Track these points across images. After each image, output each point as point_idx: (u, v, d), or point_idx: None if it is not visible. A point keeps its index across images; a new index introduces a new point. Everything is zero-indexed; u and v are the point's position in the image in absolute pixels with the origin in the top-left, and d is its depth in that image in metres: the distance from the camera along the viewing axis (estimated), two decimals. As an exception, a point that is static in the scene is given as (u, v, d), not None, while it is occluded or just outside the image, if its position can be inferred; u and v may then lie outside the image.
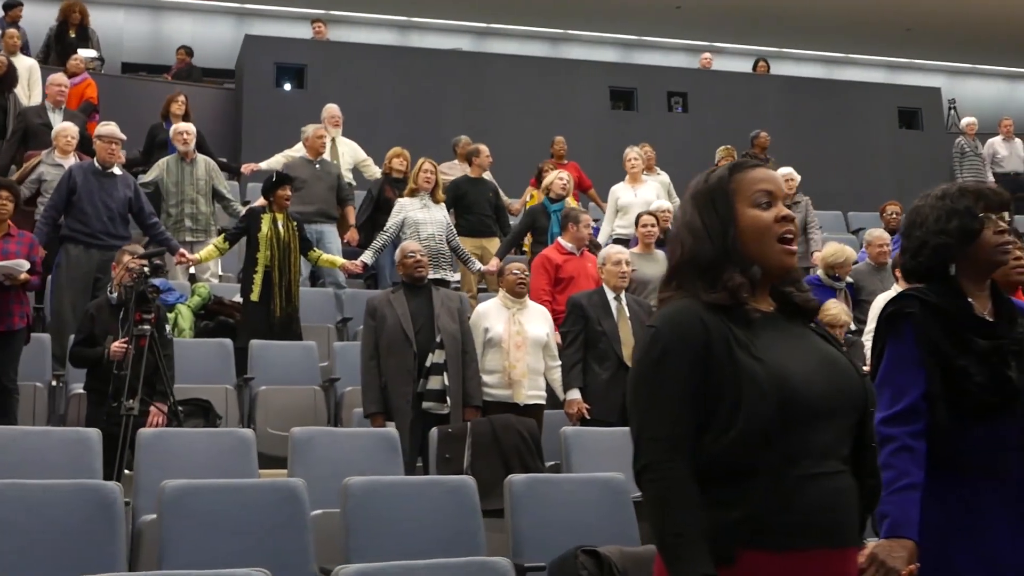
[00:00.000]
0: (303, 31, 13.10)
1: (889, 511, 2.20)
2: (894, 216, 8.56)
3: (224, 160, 8.89)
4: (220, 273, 8.37)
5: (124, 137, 7.08)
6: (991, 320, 2.35)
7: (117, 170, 6.92)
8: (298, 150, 8.90)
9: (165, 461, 3.99)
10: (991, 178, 12.32)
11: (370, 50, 12.46)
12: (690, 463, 1.82)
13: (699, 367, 1.84)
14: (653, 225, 7.00)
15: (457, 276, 7.28)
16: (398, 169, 8.29)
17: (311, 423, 6.18)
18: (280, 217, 6.82)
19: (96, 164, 6.86)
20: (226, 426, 6.05)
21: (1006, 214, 2.41)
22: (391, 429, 4.76)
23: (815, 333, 2.00)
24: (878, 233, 7.72)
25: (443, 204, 7.49)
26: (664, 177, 9.72)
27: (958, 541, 2.23)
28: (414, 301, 5.56)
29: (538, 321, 5.56)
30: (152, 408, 5.40)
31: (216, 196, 7.98)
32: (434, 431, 4.79)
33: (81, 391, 5.72)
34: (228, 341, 6.73)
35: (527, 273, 5.75)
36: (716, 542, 1.79)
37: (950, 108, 14.53)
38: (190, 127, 8.01)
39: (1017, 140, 12.57)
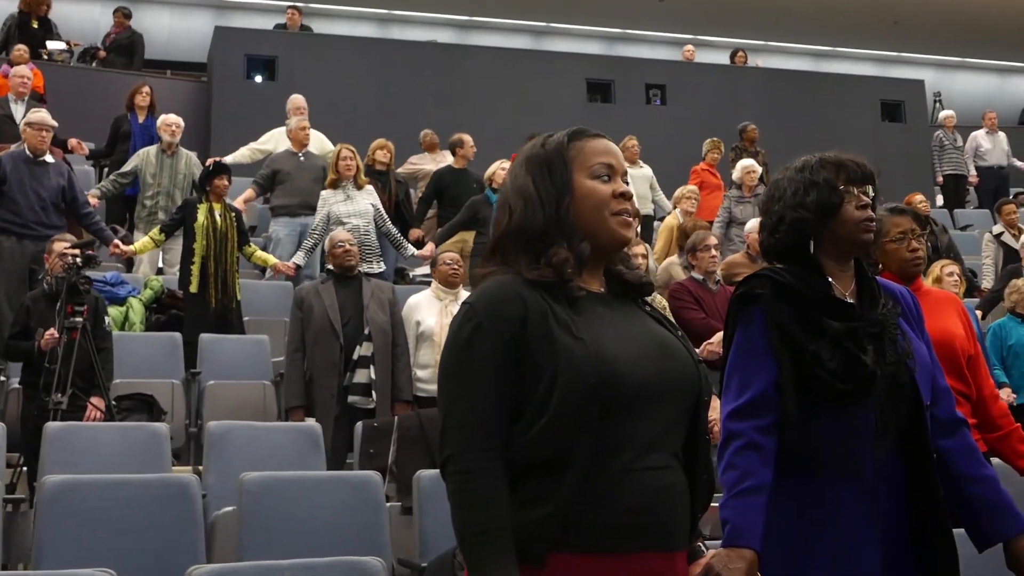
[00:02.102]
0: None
1: (730, 517, 2.00)
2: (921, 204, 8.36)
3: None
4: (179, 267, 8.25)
5: (55, 124, 6.92)
6: (851, 302, 2.16)
7: (49, 158, 6.77)
8: (264, 142, 8.79)
9: (70, 456, 3.86)
10: (972, 171, 12.17)
11: (343, 41, 12.34)
12: (499, 454, 1.65)
13: (514, 348, 1.68)
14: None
15: (382, 267, 7.03)
16: (381, 161, 8.13)
17: (260, 418, 6.05)
18: (217, 207, 6.71)
19: (27, 152, 6.70)
20: (171, 421, 5.94)
21: (870, 188, 2.18)
22: (314, 424, 4.63)
23: (649, 316, 1.84)
24: None
25: (369, 188, 7.25)
26: (647, 170, 9.57)
27: (812, 542, 2.04)
28: (343, 292, 5.43)
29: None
30: (89, 403, 5.30)
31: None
32: (359, 425, 4.65)
33: (18, 385, 5.60)
34: (178, 335, 6.61)
35: (460, 264, 5.59)
36: (524, 542, 1.62)
37: (935, 101, 14.37)
38: (178, 120, 7.88)
39: (1001, 133, 12.40)
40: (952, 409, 2.23)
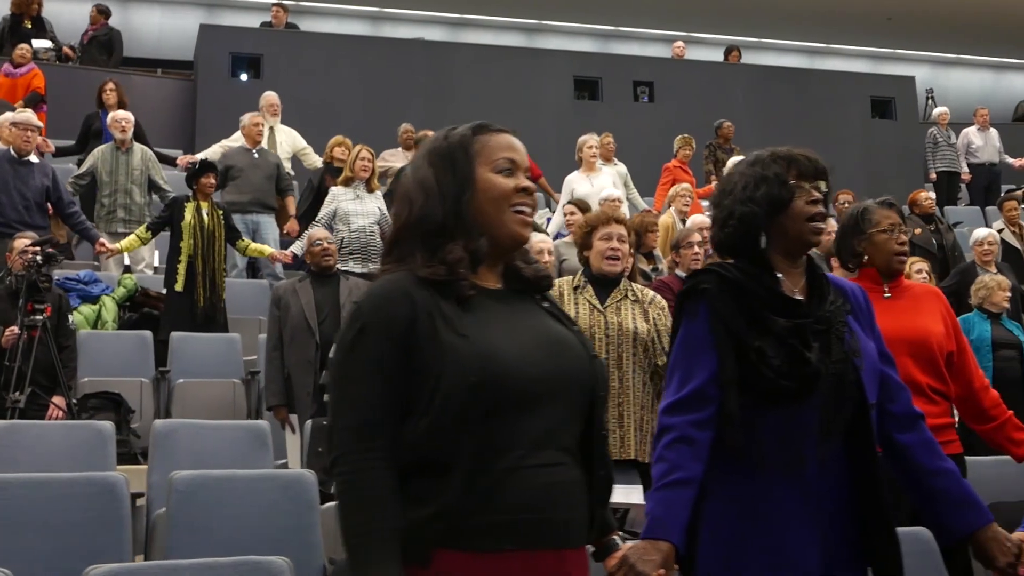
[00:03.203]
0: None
1: (652, 509, 1.99)
2: (845, 205, 8.33)
3: (162, 151, 8.75)
4: (156, 264, 8.24)
5: (40, 124, 6.95)
6: (799, 299, 2.12)
7: (34, 158, 6.80)
8: (237, 139, 8.78)
9: (14, 454, 3.84)
10: (965, 168, 12.10)
11: (329, 39, 12.30)
12: (386, 455, 1.64)
13: (401, 349, 1.66)
14: (573, 214, 6.86)
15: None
16: (339, 158, 8.15)
17: (230, 417, 6.06)
18: (205, 205, 6.73)
19: (11, 152, 6.71)
20: (139, 420, 5.93)
21: (822, 184, 2.16)
22: (261, 422, 4.61)
23: (547, 312, 1.82)
24: (831, 222, 7.50)
25: (379, 193, 7.34)
26: (621, 167, 9.52)
27: (752, 539, 2.02)
28: (320, 290, 5.44)
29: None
30: (51, 402, 5.29)
31: (152, 187, 7.85)
32: (308, 424, 4.62)
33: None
34: (148, 334, 6.61)
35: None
36: (409, 542, 1.61)
37: (928, 98, 14.29)
38: (128, 115, 7.88)
39: (992, 130, 12.30)
40: (908, 404, 2.21)
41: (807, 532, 2.02)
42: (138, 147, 7.85)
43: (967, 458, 3.47)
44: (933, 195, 11.88)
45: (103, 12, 11.09)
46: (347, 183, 7.16)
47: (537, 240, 5.66)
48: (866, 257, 3.26)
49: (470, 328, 1.68)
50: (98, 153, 7.74)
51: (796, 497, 2.02)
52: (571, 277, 4.14)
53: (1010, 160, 12.22)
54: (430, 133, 8.46)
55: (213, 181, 6.85)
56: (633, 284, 4.07)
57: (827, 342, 2.05)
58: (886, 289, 3.29)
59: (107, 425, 4.20)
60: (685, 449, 2.02)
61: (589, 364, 1.78)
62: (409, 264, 1.74)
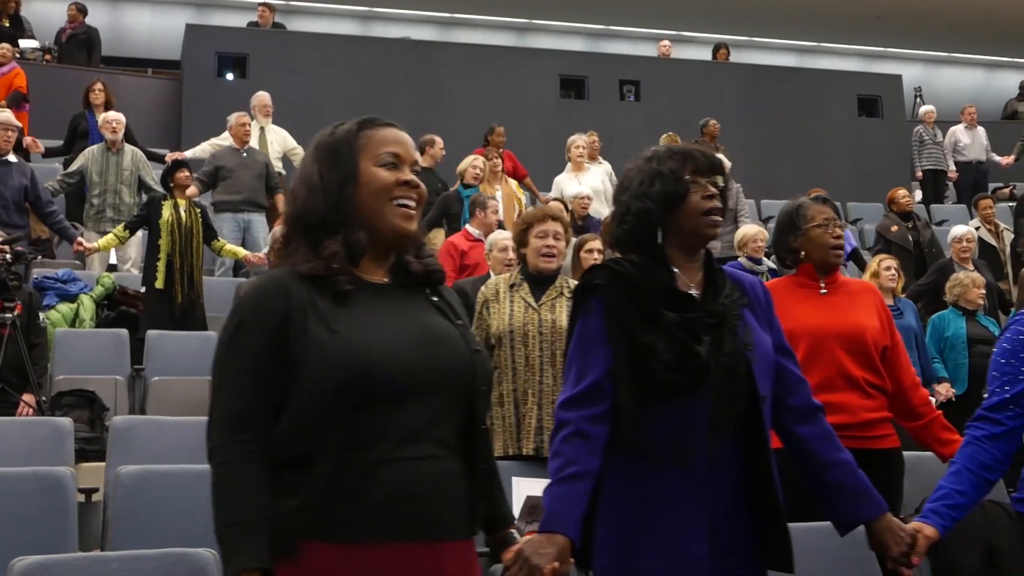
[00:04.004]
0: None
1: (548, 503, 2.01)
2: None
3: (151, 151, 8.78)
4: (143, 263, 8.28)
5: (19, 124, 7.00)
6: (692, 293, 2.14)
7: (12, 158, 6.85)
8: (226, 138, 8.81)
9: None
10: (952, 167, 12.11)
11: (314, 39, 12.32)
12: (258, 447, 1.68)
13: (275, 343, 1.70)
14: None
15: None
16: None
17: (204, 414, 6.07)
18: (182, 203, 6.77)
19: (-9, 152, 6.76)
20: (113, 418, 5.95)
21: (718, 178, 2.17)
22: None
23: (434, 307, 1.85)
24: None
25: None
26: (607, 166, 9.55)
27: (644, 532, 2.04)
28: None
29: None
30: (21, 400, 5.32)
31: (143, 187, 7.88)
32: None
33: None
34: (124, 331, 6.62)
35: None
36: (277, 533, 1.64)
37: (916, 96, 14.29)
38: (119, 116, 7.90)
39: (980, 128, 12.31)
40: (808, 396, 2.23)
41: (697, 523, 2.03)
42: (129, 148, 7.89)
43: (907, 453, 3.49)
44: (920, 194, 11.96)
45: (81, 10, 11.07)
46: None
47: (501, 237, 5.67)
48: (803, 253, 3.28)
49: (342, 323, 1.71)
50: (89, 153, 7.78)
51: (687, 490, 2.04)
52: (508, 275, 4.14)
53: (997, 158, 12.23)
54: (438, 138, 8.53)
55: (187, 174, 6.88)
56: (570, 280, 4.06)
57: (719, 335, 2.07)
58: (822, 285, 3.32)
59: (66, 422, 4.23)
60: (581, 443, 2.04)
61: (470, 358, 1.79)
62: (293, 259, 1.77)
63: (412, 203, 1.82)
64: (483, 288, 4.20)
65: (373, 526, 1.65)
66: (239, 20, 13.45)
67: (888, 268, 5.94)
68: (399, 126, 1.90)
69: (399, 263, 1.85)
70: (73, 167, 7.82)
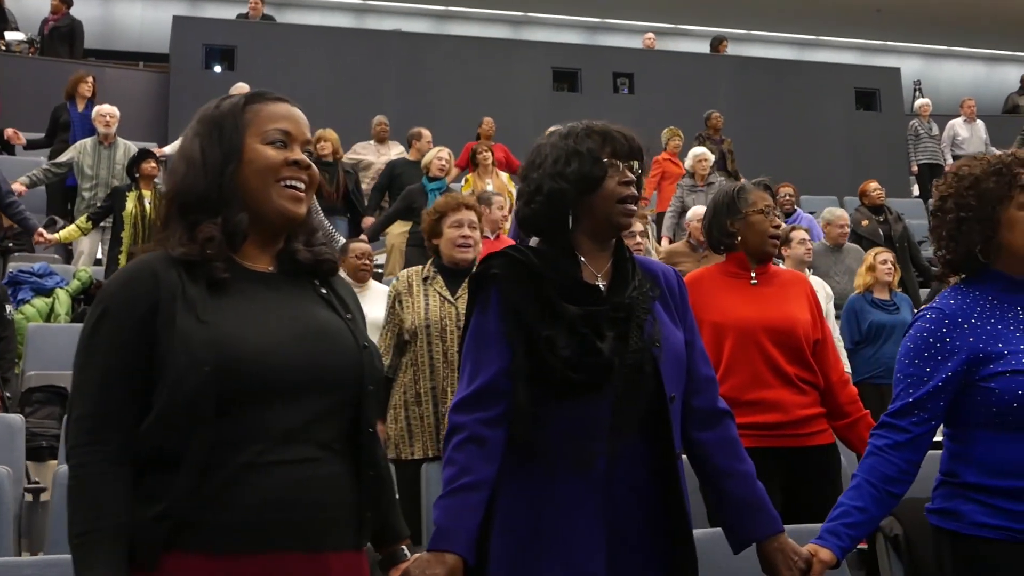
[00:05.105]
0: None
1: (437, 518, 1.83)
2: (787, 199, 8.14)
3: (140, 145, 8.68)
4: (99, 256, 8.16)
5: None
6: (597, 284, 1.95)
7: (-25, 150, 6.74)
8: (210, 132, 8.70)
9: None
10: (950, 160, 11.93)
11: (303, 31, 12.22)
12: (117, 449, 1.52)
13: (141, 333, 1.54)
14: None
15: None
16: (324, 152, 8.03)
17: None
18: (148, 194, 6.67)
19: (-49, 143, 6.66)
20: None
21: (636, 164, 1.99)
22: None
23: (322, 299, 1.69)
24: (839, 213, 7.34)
25: None
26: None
27: (541, 539, 1.87)
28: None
29: (379, 303, 5.28)
30: (-10, 394, 5.22)
31: None
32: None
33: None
34: (99, 326, 6.52)
35: (371, 256, 5.45)
36: (138, 543, 1.50)
37: (915, 89, 14.14)
38: (113, 110, 7.81)
39: (979, 122, 12.13)
40: (714, 400, 2.05)
41: (595, 531, 1.87)
42: (121, 142, 7.79)
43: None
44: (918, 188, 11.80)
45: (65, 1, 10.95)
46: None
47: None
48: (739, 239, 3.14)
49: (213, 313, 1.55)
50: (81, 146, 7.69)
51: (585, 494, 1.87)
52: (420, 267, 3.95)
53: (996, 152, 12.05)
54: (425, 131, 8.40)
55: (155, 165, 6.79)
56: None
57: (625, 331, 1.89)
58: (753, 275, 3.16)
59: (16, 418, 4.10)
60: (475, 450, 1.86)
61: (357, 355, 1.64)
62: (168, 242, 1.62)
63: (301, 185, 1.67)
64: (394, 281, 4.02)
65: (242, 535, 1.50)
66: (229, 12, 13.35)
67: (884, 262, 5.80)
68: (292, 101, 1.73)
69: (287, 250, 1.69)
70: (63, 158, 7.72)
